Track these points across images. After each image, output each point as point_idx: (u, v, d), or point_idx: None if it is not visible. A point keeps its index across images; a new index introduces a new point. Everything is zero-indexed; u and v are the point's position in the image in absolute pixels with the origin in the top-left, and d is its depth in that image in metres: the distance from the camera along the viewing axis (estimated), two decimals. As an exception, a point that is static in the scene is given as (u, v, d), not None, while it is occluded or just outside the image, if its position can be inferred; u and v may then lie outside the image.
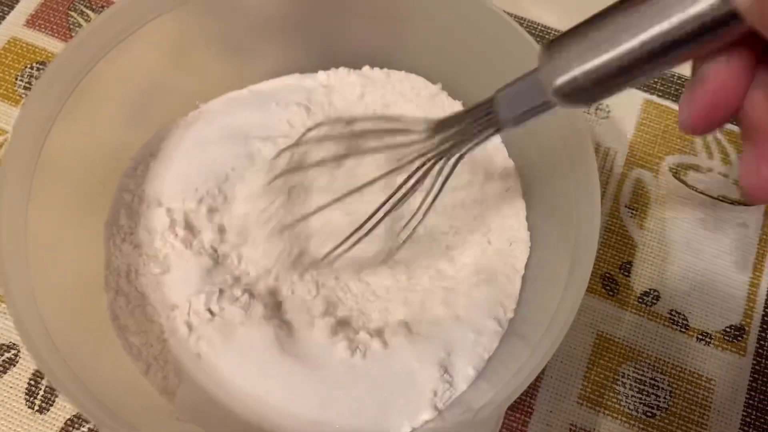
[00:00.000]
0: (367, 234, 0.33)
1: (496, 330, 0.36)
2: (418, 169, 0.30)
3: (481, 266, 0.38)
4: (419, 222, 0.34)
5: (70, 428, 0.37)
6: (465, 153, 0.29)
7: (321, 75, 0.43)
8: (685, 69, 0.23)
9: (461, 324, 0.36)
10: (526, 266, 0.38)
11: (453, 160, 0.29)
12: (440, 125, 0.29)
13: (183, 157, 0.39)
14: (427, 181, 0.30)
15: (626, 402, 0.39)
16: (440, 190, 0.31)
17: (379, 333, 0.36)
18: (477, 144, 0.28)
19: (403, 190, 0.31)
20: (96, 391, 0.28)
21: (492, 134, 0.27)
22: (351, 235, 0.33)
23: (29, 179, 0.32)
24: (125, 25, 0.35)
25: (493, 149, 0.41)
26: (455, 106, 0.42)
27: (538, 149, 0.38)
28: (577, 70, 0.22)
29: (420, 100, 0.42)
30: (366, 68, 0.43)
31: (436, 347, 0.35)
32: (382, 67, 0.43)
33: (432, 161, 0.29)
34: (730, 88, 0.20)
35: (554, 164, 0.36)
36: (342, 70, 0.43)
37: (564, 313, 0.29)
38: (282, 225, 0.37)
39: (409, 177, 0.30)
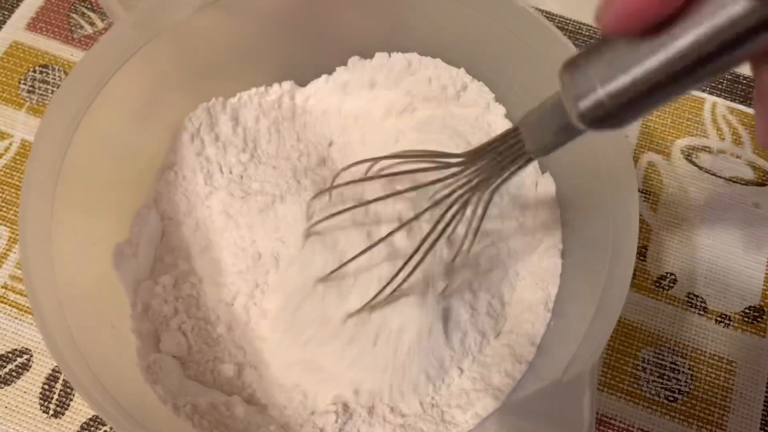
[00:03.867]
0: (409, 275, 0.33)
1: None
2: (452, 205, 0.29)
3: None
4: (468, 250, 0.34)
5: (87, 432, 0.37)
6: (499, 185, 0.28)
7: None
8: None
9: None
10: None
11: (486, 194, 0.28)
12: (469, 158, 0.28)
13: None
14: (467, 211, 0.30)
15: (647, 387, 0.39)
16: (479, 225, 0.30)
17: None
18: (510, 176, 0.27)
19: (442, 225, 0.30)
20: (115, 393, 0.28)
21: (523, 165, 0.26)
22: (394, 276, 0.33)
23: (53, 186, 0.32)
24: (139, 36, 0.35)
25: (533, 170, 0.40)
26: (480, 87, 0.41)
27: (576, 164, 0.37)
28: (602, 93, 0.20)
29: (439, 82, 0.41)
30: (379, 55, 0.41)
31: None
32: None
33: (465, 197, 0.29)
34: None
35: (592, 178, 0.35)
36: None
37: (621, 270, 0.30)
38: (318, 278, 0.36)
39: (446, 211, 0.30)
